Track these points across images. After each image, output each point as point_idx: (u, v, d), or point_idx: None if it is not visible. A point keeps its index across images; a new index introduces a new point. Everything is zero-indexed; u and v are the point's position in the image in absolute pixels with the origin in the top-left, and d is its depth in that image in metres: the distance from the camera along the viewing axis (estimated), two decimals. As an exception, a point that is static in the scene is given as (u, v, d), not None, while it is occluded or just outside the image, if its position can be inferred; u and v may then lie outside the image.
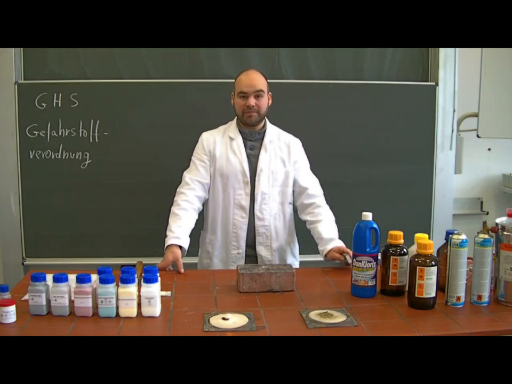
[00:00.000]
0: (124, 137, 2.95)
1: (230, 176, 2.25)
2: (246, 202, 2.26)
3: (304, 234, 2.32)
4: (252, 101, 2.20)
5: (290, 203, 2.33)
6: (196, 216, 2.23)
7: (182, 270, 2.04)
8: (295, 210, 2.36)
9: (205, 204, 2.33)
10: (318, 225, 2.22)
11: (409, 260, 1.71)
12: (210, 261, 2.36)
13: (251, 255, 2.29)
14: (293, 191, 2.33)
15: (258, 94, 2.20)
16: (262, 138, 2.29)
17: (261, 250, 2.29)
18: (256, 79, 2.21)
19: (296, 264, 2.37)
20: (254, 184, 2.26)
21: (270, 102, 2.28)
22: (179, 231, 2.14)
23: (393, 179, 3.12)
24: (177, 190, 2.27)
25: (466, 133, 3.21)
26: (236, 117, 2.31)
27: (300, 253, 2.45)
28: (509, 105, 3.05)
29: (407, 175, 3.13)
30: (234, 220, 2.27)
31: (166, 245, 2.12)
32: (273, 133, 2.32)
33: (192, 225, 2.21)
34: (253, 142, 2.28)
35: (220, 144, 2.29)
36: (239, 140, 2.28)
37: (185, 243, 2.13)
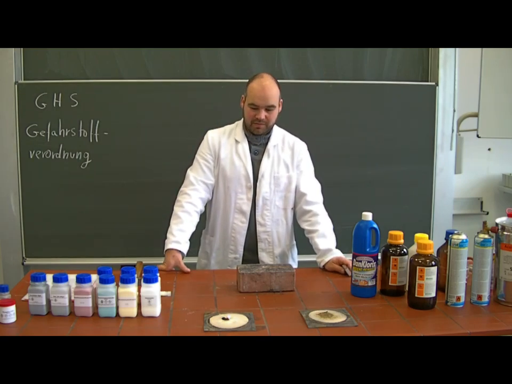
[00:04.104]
0: (124, 137, 2.95)
1: (233, 179, 2.24)
2: (247, 207, 2.25)
3: (303, 234, 2.31)
4: (263, 114, 2.15)
5: (292, 208, 2.30)
6: (197, 219, 2.22)
7: (188, 270, 2.05)
8: (294, 214, 2.34)
9: (207, 204, 2.32)
10: (315, 236, 2.18)
11: (409, 259, 1.71)
12: (208, 261, 2.36)
13: (250, 260, 2.24)
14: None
15: (269, 108, 2.16)
16: (267, 143, 2.28)
17: (263, 256, 2.28)
18: (269, 92, 2.13)
19: (294, 267, 2.36)
20: (256, 189, 2.25)
21: (280, 108, 2.24)
22: (180, 235, 2.12)
23: (393, 179, 3.12)
24: (181, 189, 2.26)
25: (466, 133, 3.21)
26: (243, 119, 2.29)
27: (299, 253, 2.45)
28: (509, 105, 3.06)
29: (407, 175, 3.14)
30: (234, 224, 2.26)
31: (166, 248, 2.12)
32: (278, 137, 2.28)
33: (193, 229, 2.19)
34: (257, 147, 2.26)
35: (225, 146, 2.26)
36: (244, 144, 2.25)
37: (185, 248, 2.12)
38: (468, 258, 1.70)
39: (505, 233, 1.68)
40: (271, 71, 2.37)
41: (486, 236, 1.68)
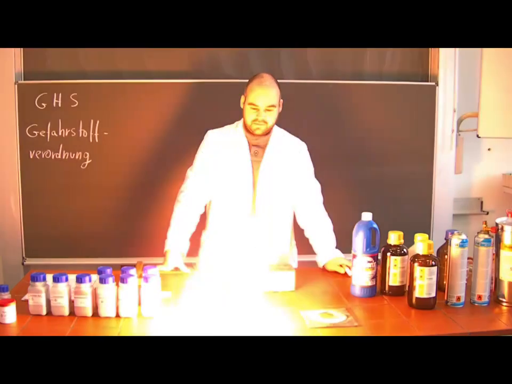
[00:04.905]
0: (124, 137, 2.95)
1: (233, 180, 2.24)
2: (247, 208, 2.25)
3: (303, 234, 2.31)
4: (262, 114, 2.14)
5: (293, 208, 2.31)
6: (197, 219, 2.22)
7: (188, 270, 2.05)
8: (294, 214, 2.34)
9: (207, 204, 2.32)
10: (315, 236, 2.19)
11: (409, 259, 1.71)
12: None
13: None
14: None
15: (269, 108, 2.15)
16: (266, 143, 2.27)
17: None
18: (269, 92, 2.13)
19: (294, 267, 2.37)
20: (256, 189, 2.25)
21: (280, 109, 2.23)
22: (180, 235, 2.13)
23: (393, 179, 3.12)
24: (181, 190, 2.25)
25: (466, 133, 3.21)
26: (243, 119, 2.29)
27: (299, 253, 2.45)
28: (509, 105, 3.05)
29: (407, 175, 3.13)
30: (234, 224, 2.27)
31: (166, 248, 2.12)
32: (278, 137, 2.28)
33: (193, 229, 2.20)
34: (257, 147, 2.27)
35: (225, 146, 2.27)
36: (244, 144, 2.26)
37: (185, 248, 2.12)
38: (468, 258, 1.70)
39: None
40: (271, 71, 2.37)
41: (486, 236, 1.69)
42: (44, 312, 1.59)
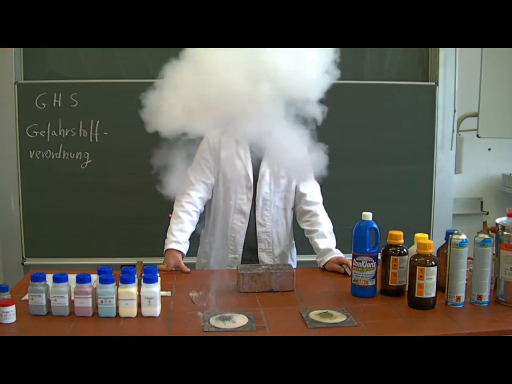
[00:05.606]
0: (124, 137, 2.95)
1: (233, 180, 2.23)
2: (247, 208, 2.25)
3: (303, 234, 2.31)
4: None
5: (292, 208, 2.31)
6: (197, 219, 2.22)
7: (188, 270, 2.06)
8: (294, 214, 2.34)
9: (207, 203, 2.32)
10: (315, 236, 2.19)
11: (409, 259, 1.71)
12: (207, 261, 2.36)
13: (249, 260, 2.25)
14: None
15: None
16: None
17: (263, 256, 2.28)
18: None
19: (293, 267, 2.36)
20: (256, 189, 2.25)
21: None
22: (180, 235, 2.13)
23: (393, 179, 3.12)
24: (181, 189, 2.26)
25: (466, 133, 3.21)
26: None
27: (298, 253, 2.45)
28: (509, 105, 3.05)
29: (407, 175, 3.13)
30: (234, 224, 2.27)
31: (165, 248, 2.12)
32: None
33: (193, 229, 2.20)
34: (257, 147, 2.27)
35: (225, 146, 2.26)
36: (244, 144, 2.26)
37: (185, 248, 2.12)
38: (468, 258, 1.70)
39: (505, 233, 1.68)
40: (271, 71, 2.37)
41: (486, 236, 1.69)
42: (44, 312, 1.59)
